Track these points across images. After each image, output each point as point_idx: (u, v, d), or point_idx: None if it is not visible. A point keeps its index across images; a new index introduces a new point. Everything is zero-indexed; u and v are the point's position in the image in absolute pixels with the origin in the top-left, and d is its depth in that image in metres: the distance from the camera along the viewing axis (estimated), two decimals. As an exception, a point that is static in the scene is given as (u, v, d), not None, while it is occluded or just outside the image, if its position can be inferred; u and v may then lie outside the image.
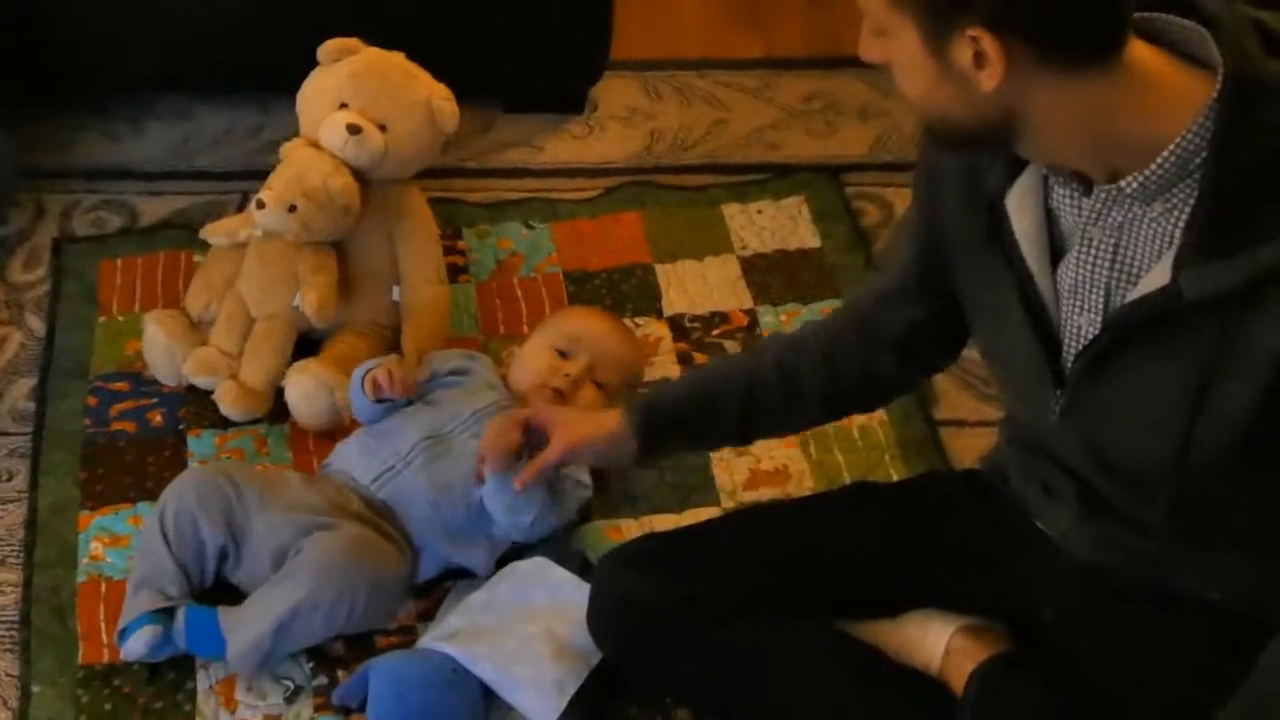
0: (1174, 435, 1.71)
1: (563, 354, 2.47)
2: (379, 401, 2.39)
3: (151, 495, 2.43)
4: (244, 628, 2.19)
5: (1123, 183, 1.63)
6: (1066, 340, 1.78)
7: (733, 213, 2.95)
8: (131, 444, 2.53)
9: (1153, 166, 1.61)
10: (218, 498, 2.28)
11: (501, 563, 2.33)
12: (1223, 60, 1.59)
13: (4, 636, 2.28)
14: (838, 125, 3.16)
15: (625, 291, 2.80)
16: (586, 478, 2.38)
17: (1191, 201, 1.61)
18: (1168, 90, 1.61)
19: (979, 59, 1.56)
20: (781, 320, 2.73)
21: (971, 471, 2.20)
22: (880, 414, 2.55)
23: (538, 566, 2.26)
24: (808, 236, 2.91)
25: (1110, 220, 1.68)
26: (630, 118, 3.17)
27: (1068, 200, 1.71)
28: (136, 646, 2.20)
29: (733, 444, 2.35)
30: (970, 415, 2.58)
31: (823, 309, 2.75)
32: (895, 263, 2.02)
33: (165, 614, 2.21)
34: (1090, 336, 1.74)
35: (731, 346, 2.70)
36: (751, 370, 2.11)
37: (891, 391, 2.20)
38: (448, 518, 2.31)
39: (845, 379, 2.08)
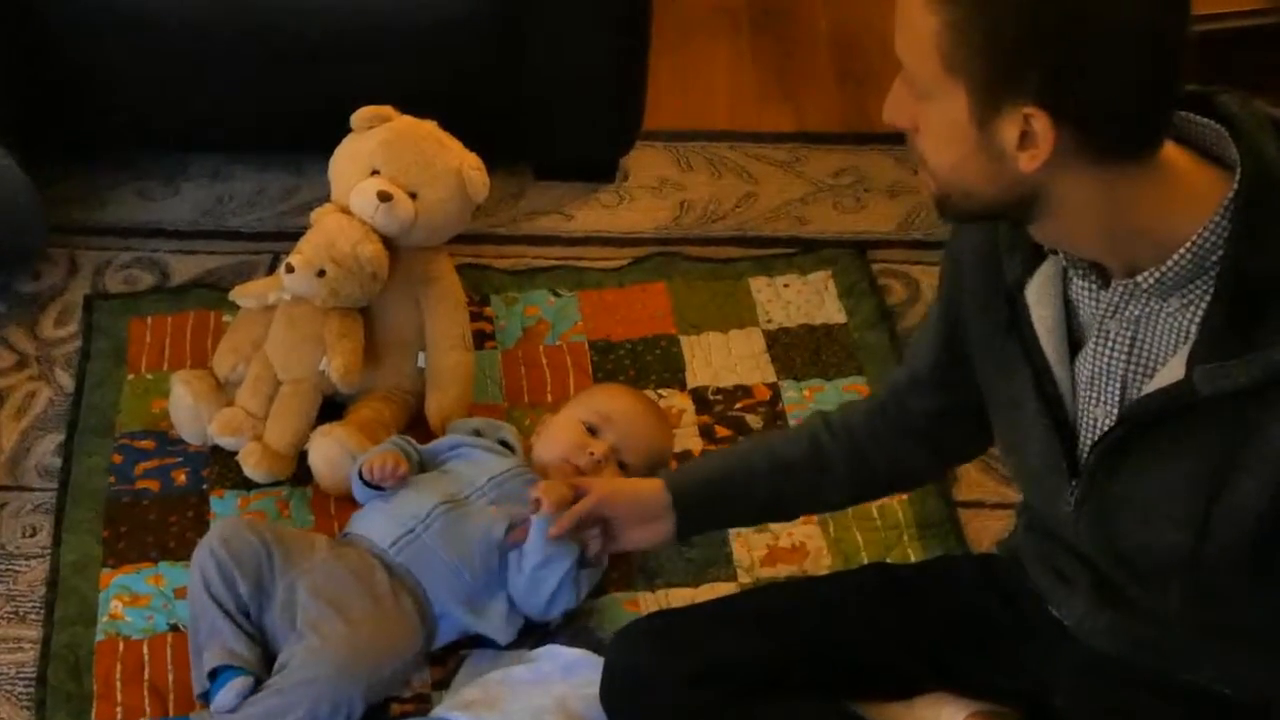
0: (1188, 528, 1.71)
1: (591, 430, 2.48)
2: (375, 488, 2.40)
3: (173, 555, 2.46)
4: None
5: (1140, 278, 1.64)
6: (1083, 432, 1.78)
7: (759, 286, 2.96)
8: (155, 503, 2.55)
9: (1169, 263, 1.61)
10: (250, 552, 2.29)
11: (520, 639, 2.34)
12: (1240, 159, 1.60)
13: (21, 694, 2.30)
14: (866, 201, 3.17)
15: (649, 362, 2.81)
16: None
17: (1208, 298, 1.62)
18: (1187, 187, 1.61)
19: (1025, 138, 1.56)
20: (804, 395, 2.74)
21: (987, 556, 2.20)
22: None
23: (553, 651, 2.28)
24: (833, 312, 2.91)
25: (1127, 314, 1.69)
26: (660, 188, 3.19)
27: (1086, 292, 1.72)
28: (227, 698, 2.21)
29: (758, 523, 2.38)
30: (990, 497, 2.57)
31: (846, 385, 2.76)
32: (920, 351, 2.04)
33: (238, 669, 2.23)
34: (1106, 428, 1.75)
35: (754, 420, 2.71)
36: (784, 453, 2.14)
37: (920, 479, 2.26)
38: (467, 583, 2.32)
39: (874, 466, 2.12)
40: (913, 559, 2.48)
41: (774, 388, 2.77)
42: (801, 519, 2.47)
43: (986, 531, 2.51)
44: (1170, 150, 1.62)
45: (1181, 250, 1.60)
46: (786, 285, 2.96)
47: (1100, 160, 1.58)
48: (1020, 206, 1.63)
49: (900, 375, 2.11)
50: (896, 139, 3.23)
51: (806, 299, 2.94)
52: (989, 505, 2.56)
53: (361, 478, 2.41)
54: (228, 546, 2.29)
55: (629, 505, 2.18)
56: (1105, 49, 1.51)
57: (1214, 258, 1.60)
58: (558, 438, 2.49)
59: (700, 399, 2.75)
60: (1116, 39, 1.51)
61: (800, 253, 3.04)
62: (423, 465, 2.47)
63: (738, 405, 2.74)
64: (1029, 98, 1.54)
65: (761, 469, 2.14)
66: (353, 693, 2.20)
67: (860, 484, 2.17)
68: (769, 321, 2.89)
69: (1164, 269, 1.62)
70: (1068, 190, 1.60)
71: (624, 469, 2.47)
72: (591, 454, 2.45)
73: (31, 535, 2.51)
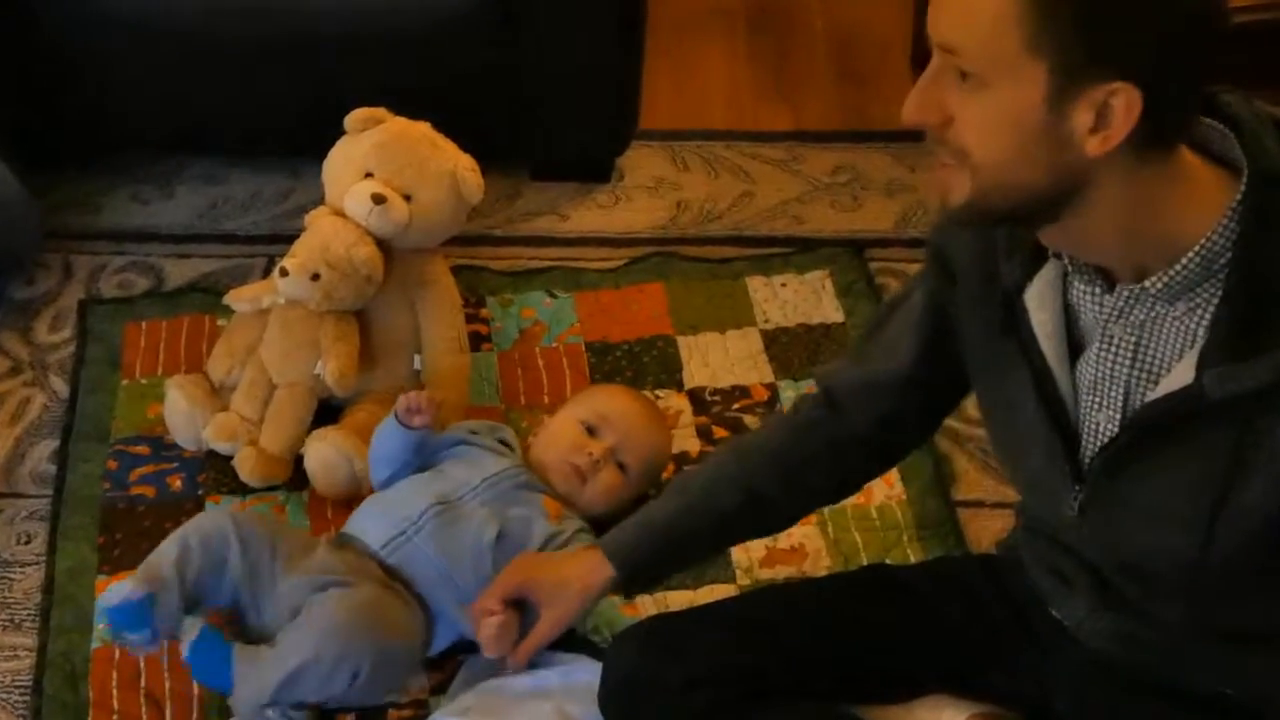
0: (1194, 533, 1.70)
1: (590, 430, 2.48)
2: (410, 429, 2.39)
3: (168, 561, 2.44)
4: (253, 676, 2.18)
5: (1147, 282, 1.62)
6: (1085, 436, 1.76)
7: (756, 286, 2.95)
8: (150, 509, 2.54)
9: (1178, 266, 1.60)
10: (256, 539, 2.28)
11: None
12: (1246, 161, 1.58)
13: (17, 702, 2.28)
14: (863, 200, 3.16)
15: (646, 363, 2.80)
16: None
17: (1215, 301, 1.60)
18: (1196, 188, 1.60)
19: (1101, 118, 1.52)
20: (803, 394, 2.73)
21: (987, 556, 2.19)
22: (899, 493, 2.56)
23: (550, 656, 2.27)
24: (831, 311, 2.90)
25: (1132, 318, 1.67)
26: (657, 188, 3.18)
27: (1089, 297, 1.70)
28: (113, 595, 2.18)
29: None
30: (989, 496, 2.56)
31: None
32: (894, 354, 2.00)
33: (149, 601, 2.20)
34: (1110, 434, 1.73)
35: (751, 421, 2.69)
36: (720, 507, 2.12)
37: (858, 486, 2.23)
38: (459, 586, 2.31)
39: (811, 488, 2.13)
40: (912, 559, 2.47)
41: (772, 388, 2.76)
42: (801, 520, 2.45)
43: (986, 531, 2.50)
44: (1181, 150, 1.61)
45: (1190, 253, 1.59)
46: (784, 285, 2.95)
47: (1145, 148, 1.56)
48: (1054, 204, 1.60)
49: (847, 380, 2.07)
50: (893, 137, 3.28)
51: (804, 298, 2.92)
52: (989, 505, 2.55)
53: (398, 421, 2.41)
54: (237, 526, 2.27)
55: (581, 613, 2.20)
56: (1186, 17, 1.51)
57: (1222, 260, 1.59)
58: (557, 438, 2.49)
59: (698, 400, 2.74)
60: (1197, 11, 1.51)
61: (797, 252, 3.02)
62: (422, 464, 2.46)
63: (735, 406, 2.73)
64: (1117, 72, 1.51)
65: (704, 533, 2.15)
66: (362, 652, 2.17)
67: (799, 509, 2.20)
68: (766, 321, 2.88)
69: (1172, 273, 1.60)
70: (1104, 184, 1.58)
71: (623, 470, 2.46)
72: (590, 454, 2.45)
73: (27, 542, 2.50)
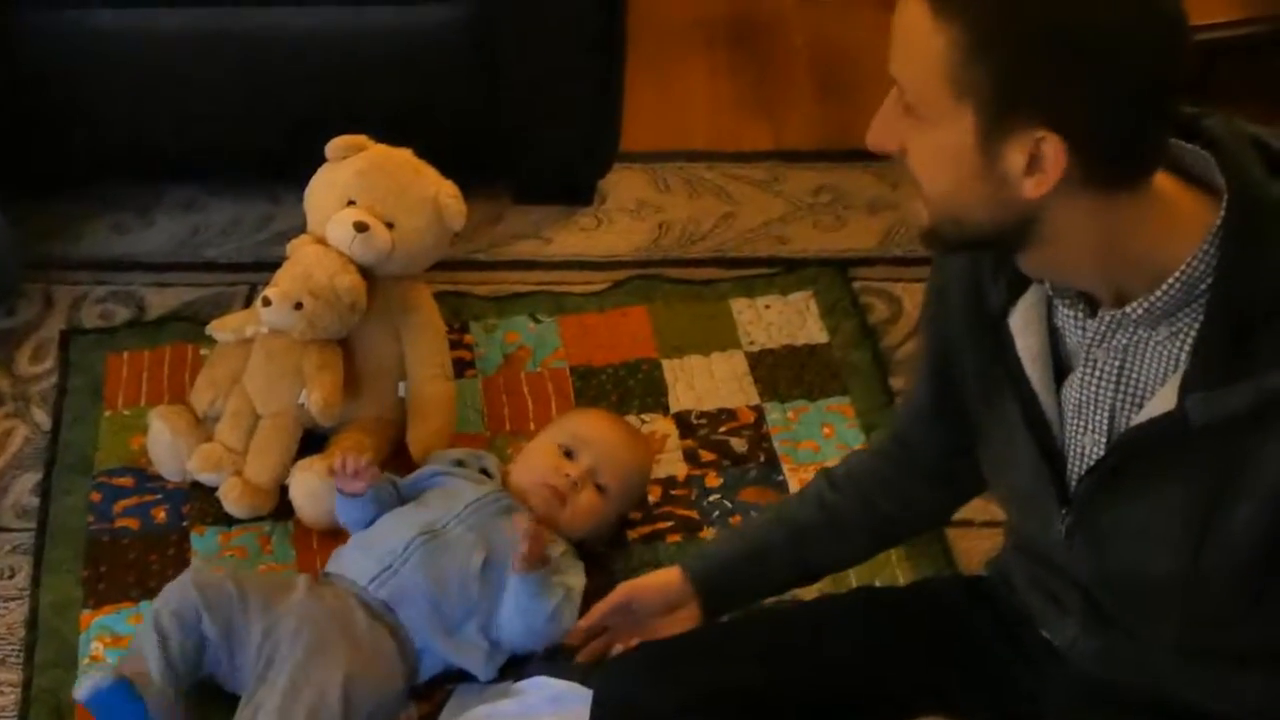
0: (1182, 555, 1.69)
1: (568, 453, 2.47)
2: (351, 495, 2.39)
3: (154, 594, 2.40)
4: None
5: (1129, 308, 1.62)
6: (1071, 459, 1.76)
7: (740, 307, 2.94)
8: (135, 541, 2.52)
9: (1159, 292, 1.59)
10: (222, 597, 2.25)
11: (502, 674, 2.31)
12: (1227, 185, 1.58)
13: (3, 739, 2.28)
14: (846, 219, 3.15)
15: (631, 387, 2.79)
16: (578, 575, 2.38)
17: (1197, 325, 1.60)
18: (1176, 214, 1.59)
19: (1033, 163, 1.53)
20: (789, 417, 2.73)
21: (976, 577, 2.18)
22: (887, 514, 2.55)
23: (540, 683, 2.26)
24: (815, 332, 2.90)
25: (1115, 342, 1.67)
26: (639, 210, 3.17)
27: (1072, 320, 1.70)
28: (85, 685, 2.16)
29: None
30: (978, 515, 2.52)
31: (830, 405, 2.75)
32: (917, 389, 2.02)
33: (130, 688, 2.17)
34: (1095, 456, 1.73)
35: (738, 444, 2.69)
36: (796, 519, 2.16)
37: (936, 518, 2.25)
38: (446, 614, 2.30)
39: (887, 513, 2.13)
40: (901, 580, 2.47)
41: (758, 410, 2.75)
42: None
43: (975, 551, 2.49)
44: (1158, 176, 1.60)
45: (1171, 279, 1.58)
46: (768, 306, 2.95)
47: (1099, 187, 1.55)
48: (1013, 235, 1.61)
49: (902, 416, 2.11)
50: (875, 155, 3.26)
51: (788, 319, 2.92)
52: (978, 524, 2.53)
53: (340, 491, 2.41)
54: (200, 591, 2.25)
55: (654, 596, 2.22)
56: (1116, 69, 1.49)
57: (1203, 285, 1.58)
58: (534, 462, 2.49)
59: (684, 423, 2.73)
60: (1126, 58, 1.49)
61: (781, 273, 3.02)
62: (402, 499, 2.44)
63: (722, 429, 2.72)
64: (1040, 120, 1.51)
65: (778, 541, 2.17)
66: (333, 667, 2.18)
67: (877, 533, 2.18)
68: (751, 343, 2.87)
69: (1153, 299, 1.60)
70: (1063, 218, 1.57)
71: (601, 490, 2.46)
72: (568, 475, 2.44)
73: (10, 577, 2.48)
